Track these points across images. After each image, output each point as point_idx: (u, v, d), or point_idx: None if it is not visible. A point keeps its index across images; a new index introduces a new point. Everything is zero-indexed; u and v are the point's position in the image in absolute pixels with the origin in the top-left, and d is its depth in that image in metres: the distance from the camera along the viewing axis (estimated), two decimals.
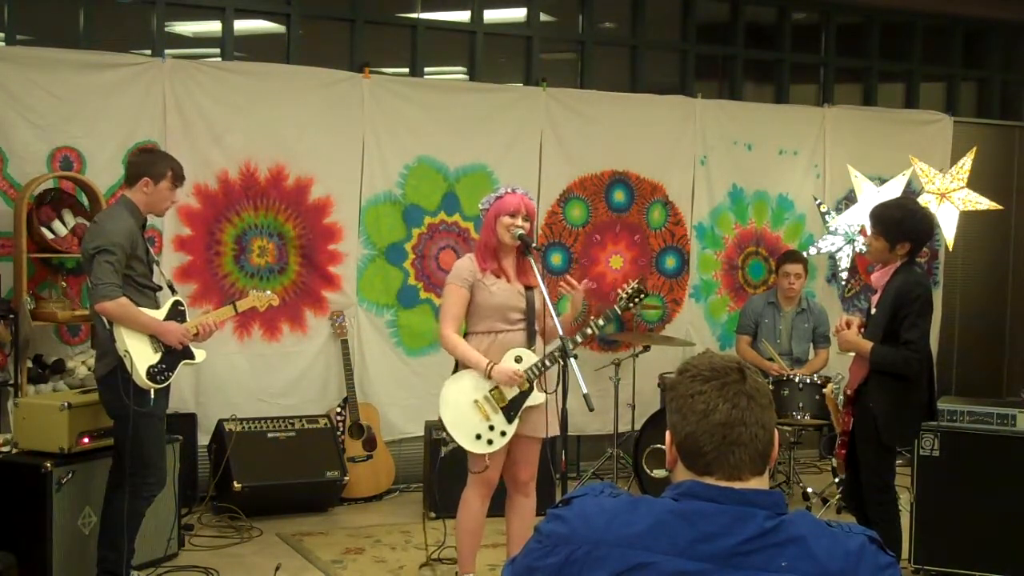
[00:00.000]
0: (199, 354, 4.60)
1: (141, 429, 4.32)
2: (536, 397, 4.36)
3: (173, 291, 4.63)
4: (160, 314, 4.46)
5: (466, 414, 4.31)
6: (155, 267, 4.61)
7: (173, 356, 4.44)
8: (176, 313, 4.55)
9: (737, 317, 6.96)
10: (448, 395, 4.35)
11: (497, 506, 4.60)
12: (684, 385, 1.78)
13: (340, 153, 6.29)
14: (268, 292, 5.01)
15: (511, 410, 4.32)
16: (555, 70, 7.11)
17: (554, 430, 4.36)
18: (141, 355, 4.31)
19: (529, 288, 4.44)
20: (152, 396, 4.34)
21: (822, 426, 6.13)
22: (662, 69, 7.58)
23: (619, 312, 4.53)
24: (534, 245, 4.32)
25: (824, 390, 5.79)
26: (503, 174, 6.51)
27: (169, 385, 4.46)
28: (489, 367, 4.28)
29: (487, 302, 4.36)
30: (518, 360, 4.33)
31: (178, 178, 4.56)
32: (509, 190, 4.42)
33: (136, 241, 4.39)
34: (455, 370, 4.44)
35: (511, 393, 4.32)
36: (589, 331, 4.43)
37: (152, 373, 4.33)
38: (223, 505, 5.72)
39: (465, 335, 4.43)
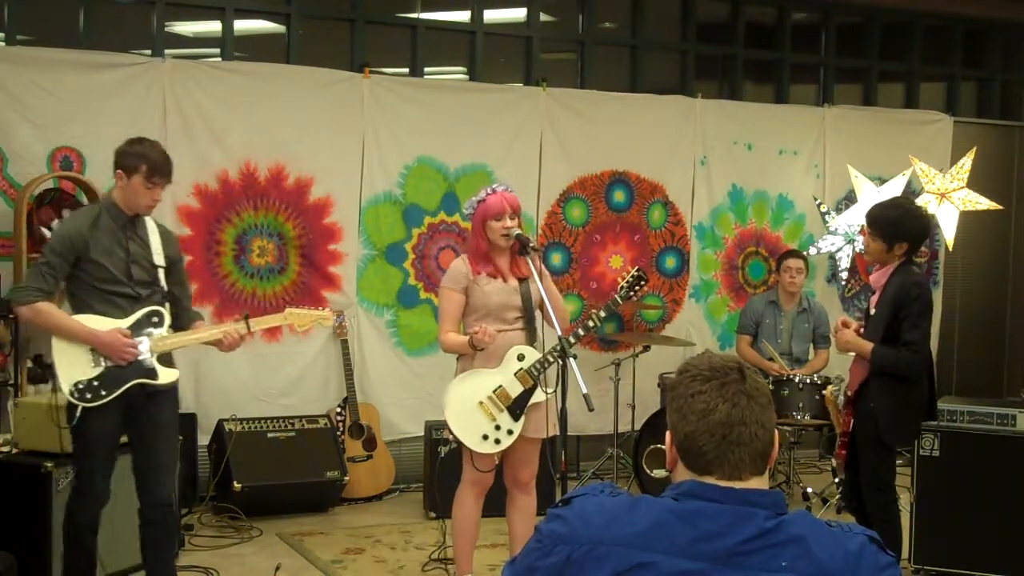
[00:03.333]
0: (166, 374, 3.99)
1: (70, 444, 3.99)
2: (540, 394, 4.36)
3: (166, 301, 4.04)
4: (124, 323, 3.89)
5: (472, 415, 4.30)
6: (158, 272, 4.01)
7: (119, 373, 3.86)
8: (148, 324, 3.94)
9: (737, 317, 6.96)
10: (452, 398, 4.33)
11: (497, 506, 4.60)
12: (684, 385, 1.78)
13: (340, 153, 6.29)
14: (326, 310, 4.31)
15: (516, 408, 4.31)
16: (555, 70, 7.11)
17: (554, 430, 4.35)
18: (70, 368, 3.83)
19: (523, 280, 4.40)
20: (78, 414, 3.82)
21: (822, 426, 6.13)
22: (662, 69, 7.58)
23: (620, 301, 4.51)
24: (532, 245, 4.29)
25: (824, 392, 5.80)
26: (503, 174, 6.51)
27: (110, 403, 3.86)
28: (470, 337, 4.24)
29: (483, 303, 4.34)
30: (521, 358, 4.32)
31: (155, 173, 3.87)
32: (489, 191, 4.36)
33: (89, 243, 3.84)
34: (456, 371, 4.44)
35: (515, 391, 4.31)
36: (591, 323, 4.42)
37: (81, 389, 3.81)
38: (223, 505, 5.72)
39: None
